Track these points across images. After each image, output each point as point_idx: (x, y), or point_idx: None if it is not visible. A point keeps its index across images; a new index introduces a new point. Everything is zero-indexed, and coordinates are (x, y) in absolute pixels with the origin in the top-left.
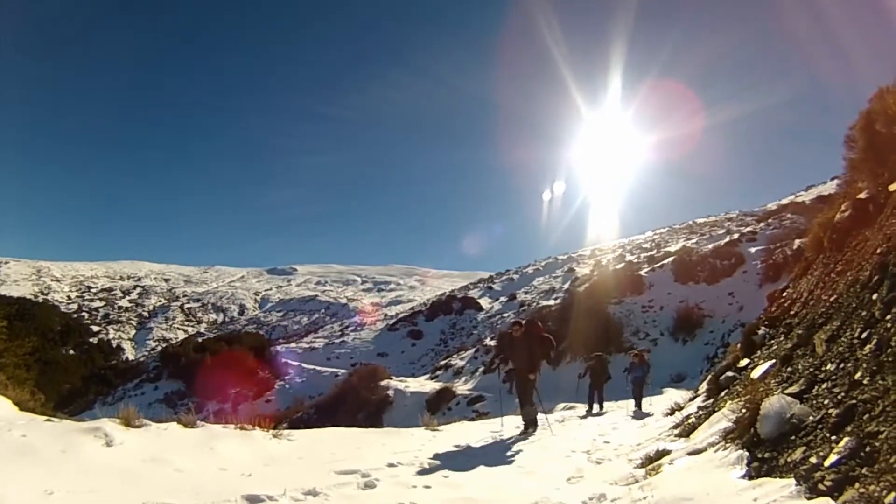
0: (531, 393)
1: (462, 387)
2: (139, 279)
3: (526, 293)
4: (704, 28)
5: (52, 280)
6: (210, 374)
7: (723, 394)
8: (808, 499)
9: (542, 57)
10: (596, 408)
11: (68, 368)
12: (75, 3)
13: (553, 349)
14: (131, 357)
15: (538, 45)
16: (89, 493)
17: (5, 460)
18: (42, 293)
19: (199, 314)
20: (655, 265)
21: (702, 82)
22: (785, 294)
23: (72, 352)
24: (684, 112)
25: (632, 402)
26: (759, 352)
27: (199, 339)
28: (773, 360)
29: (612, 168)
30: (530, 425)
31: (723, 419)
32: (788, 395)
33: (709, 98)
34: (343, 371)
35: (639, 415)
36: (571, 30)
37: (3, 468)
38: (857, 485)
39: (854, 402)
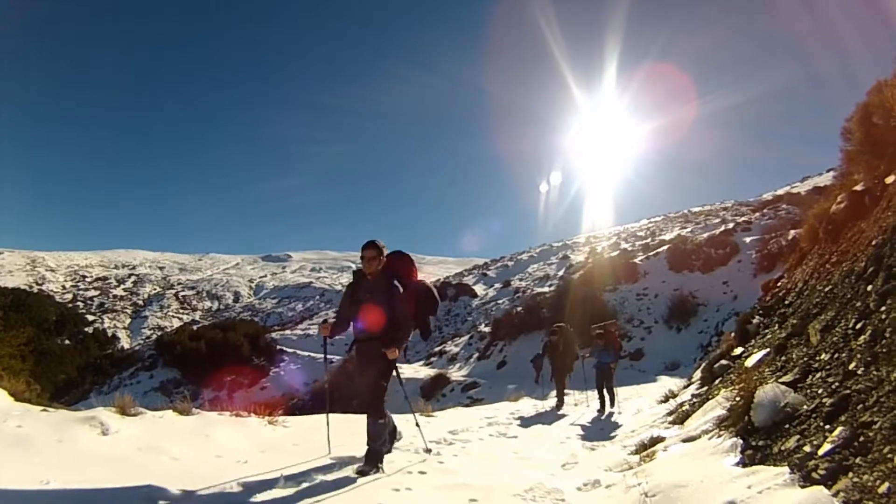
0: (381, 389)
1: (456, 373)
2: (133, 267)
3: (521, 280)
4: (701, 15)
5: (46, 270)
6: (205, 362)
7: (717, 382)
8: (802, 487)
9: (537, 45)
10: (551, 402)
11: (64, 358)
12: None
13: (434, 310)
14: (126, 346)
15: (533, 33)
16: (86, 482)
17: (1, 451)
18: (37, 283)
19: (194, 302)
20: (650, 253)
21: (698, 69)
22: (780, 284)
23: (67, 342)
24: (680, 100)
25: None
26: (753, 340)
27: (194, 327)
28: (768, 349)
29: (607, 156)
30: (372, 460)
31: (717, 407)
32: (783, 383)
33: (705, 86)
34: (338, 358)
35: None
36: (567, 16)
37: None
38: (850, 474)
39: (848, 391)
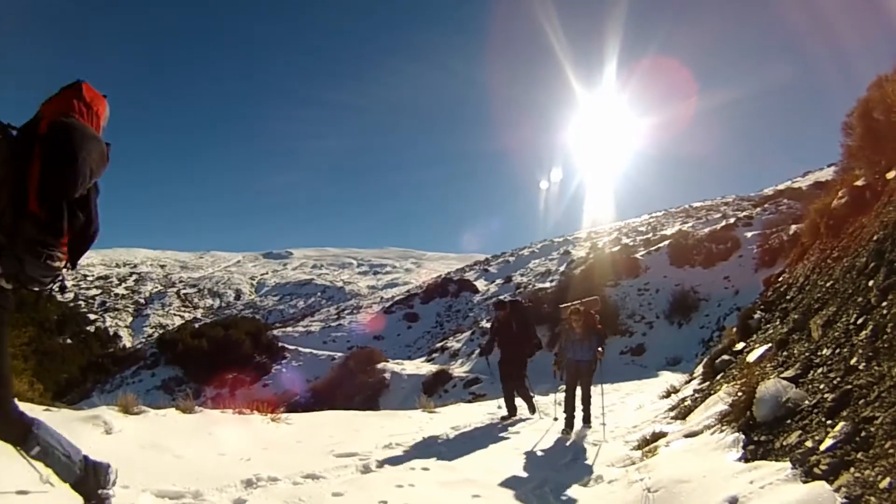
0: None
1: (458, 369)
2: (135, 266)
3: (522, 275)
4: (702, 8)
5: None
6: (207, 360)
7: (719, 377)
8: (804, 482)
9: (537, 40)
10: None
11: (66, 358)
12: None
13: (65, 174)
14: (128, 344)
15: (533, 27)
16: None
17: (4, 452)
18: None
19: (196, 300)
20: (651, 248)
21: (699, 64)
22: (781, 279)
23: (69, 341)
24: (681, 94)
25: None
26: (754, 336)
27: (196, 325)
28: (769, 344)
29: (608, 151)
30: None
31: (719, 402)
32: (784, 378)
33: (706, 80)
34: (340, 354)
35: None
36: (567, 10)
37: (1, 460)
38: (852, 469)
39: (850, 387)
